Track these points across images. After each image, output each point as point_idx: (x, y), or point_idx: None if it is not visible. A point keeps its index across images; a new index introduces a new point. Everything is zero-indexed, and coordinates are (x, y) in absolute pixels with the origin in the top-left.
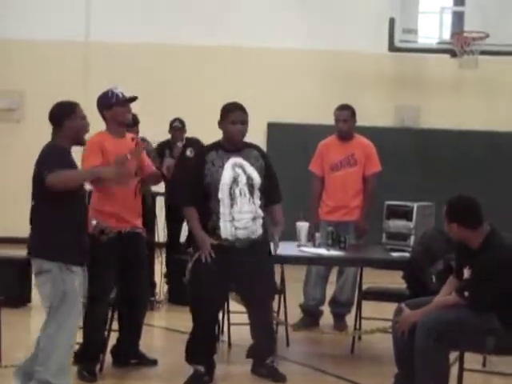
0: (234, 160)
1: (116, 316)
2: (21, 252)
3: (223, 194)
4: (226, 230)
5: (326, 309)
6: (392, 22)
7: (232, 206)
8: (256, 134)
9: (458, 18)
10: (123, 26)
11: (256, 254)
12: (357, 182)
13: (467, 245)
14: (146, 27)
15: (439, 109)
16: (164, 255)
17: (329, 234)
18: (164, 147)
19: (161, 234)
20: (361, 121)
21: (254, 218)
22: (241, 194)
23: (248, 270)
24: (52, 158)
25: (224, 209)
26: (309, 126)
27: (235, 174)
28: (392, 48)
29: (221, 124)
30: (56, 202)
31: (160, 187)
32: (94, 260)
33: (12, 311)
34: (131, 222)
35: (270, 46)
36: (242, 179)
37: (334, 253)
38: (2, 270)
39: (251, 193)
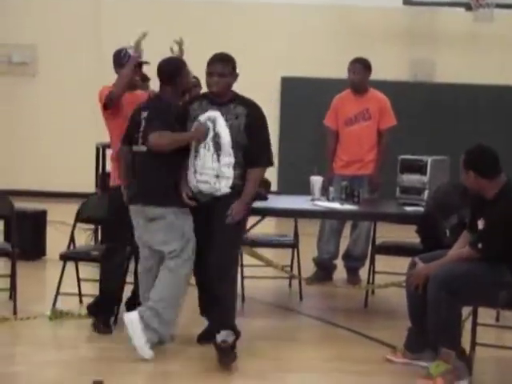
0: (210, 113)
1: (130, 269)
2: (35, 205)
3: (191, 145)
4: (191, 180)
5: (339, 263)
6: None
7: (195, 158)
8: (270, 88)
9: None
10: None
11: (217, 214)
12: (371, 137)
13: (482, 196)
14: None
15: (453, 63)
16: None
17: (342, 189)
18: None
19: None
20: (374, 75)
21: (218, 176)
22: (205, 147)
23: (207, 229)
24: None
25: (190, 160)
26: (322, 80)
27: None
28: (406, 1)
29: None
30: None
31: None
32: (111, 213)
33: (27, 264)
34: None
35: (284, 1)
36: (209, 135)
37: (347, 207)
38: (17, 223)
39: (216, 150)
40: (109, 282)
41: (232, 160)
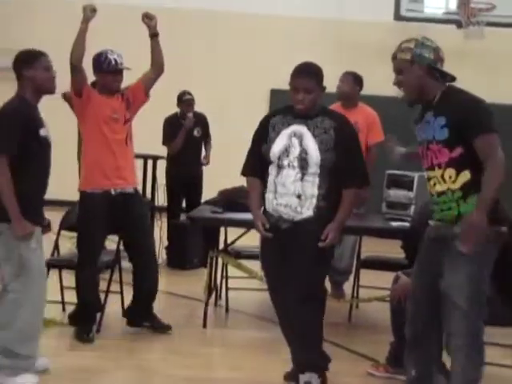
0: (295, 128)
1: (115, 278)
2: None
3: (273, 163)
4: (268, 201)
5: None
6: None
7: (277, 176)
8: (259, 100)
9: None
10: None
11: (298, 241)
12: None
13: None
14: None
15: None
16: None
17: None
18: (172, 122)
19: (161, 197)
20: (365, 90)
21: (300, 197)
22: (289, 165)
23: (287, 259)
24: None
25: (271, 178)
26: None
27: (289, 144)
28: (398, 17)
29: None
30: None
31: (162, 152)
32: (81, 221)
33: None
34: (122, 180)
35: (276, 14)
36: (295, 151)
37: None
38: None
39: (302, 168)
40: (84, 292)
41: (317, 179)
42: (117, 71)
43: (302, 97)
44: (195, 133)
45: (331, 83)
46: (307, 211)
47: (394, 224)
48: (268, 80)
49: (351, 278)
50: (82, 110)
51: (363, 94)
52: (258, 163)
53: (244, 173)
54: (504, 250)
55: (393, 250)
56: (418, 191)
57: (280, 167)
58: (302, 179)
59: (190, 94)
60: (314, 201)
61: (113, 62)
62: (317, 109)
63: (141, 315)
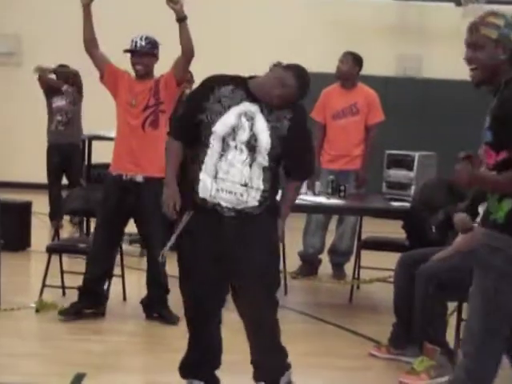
0: (247, 106)
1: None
2: (21, 196)
3: (214, 141)
4: (205, 185)
5: (324, 258)
6: None
7: (220, 158)
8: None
9: None
10: None
11: (246, 230)
12: (359, 131)
13: None
14: None
15: (441, 59)
16: None
17: (329, 183)
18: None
19: None
20: (363, 69)
21: (246, 186)
22: (236, 148)
23: (239, 255)
24: None
25: (210, 159)
26: (311, 73)
27: (237, 124)
28: None
29: (271, 69)
30: None
31: None
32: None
33: (12, 255)
34: (135, 166)
35: None
36: (243, 134)
37: (333, 201)
38: (3, 215)
39: (251, 155)
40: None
41: (263, 172)
42: (134, 52)
43: (289, 97)
44: None
45: (329, 63)
46: (253, 201)
47: (395, 204)
48: (268, 60)
49: (352, 259)
50: (112, 92)
51: (361, 73)
52: (186, 129)
53: (172, 133)
54: None
55: (394, 230)
56: (419, 171)
57: (224, 150)
58: (250, 166)
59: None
60: (260, 193)
61: (133, 44)
62: None
63: (151, 305)
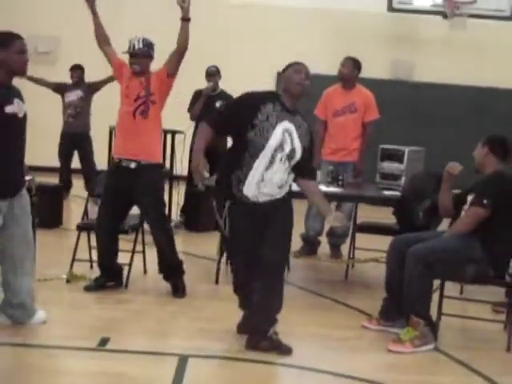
0: (286, 124)
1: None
2: (52, 179)
3: (265, 154)
4: (249, 188)
5: (323, 239)
6: None
7: (267, 168)
8: (267, 82)
9: None
10: None
11: (277, 212)
12: (356, 128)
13: (480, 172)
14: None
15: (431, 65)
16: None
17: (329, 173)
18: (198, 93)
19: (178, 167)
20: (361, 72)
21: (281, 188)
22: (281, 160)
23: (268, 227)
24: None
25: (258, 167)
26: (315, 75)
27: (283, 140)
28: (390, 8)
29: (283, 74)
30: None
31: (181, 126)
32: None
33: (46, 232)
34: (127, 152)
35: (280, 5)
36: (287, 148)
37: (332, 189)
38: (38, 196)
39: (289, 165)
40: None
41: (290, 171)
42: (132, 54)
43: (304, 78)
44: (217, 104)
45: (329, 66)
46: (281, 194)
47: (387, 193)
48: (274, 64)
49: (348, 241)
50: (119, 83)
51: (360, 76)
52: (227, 131)
53: (212, 125)
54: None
55: (385, 216)
56: (408, 164)
57: (271, 161)
58: (287, 173)
59: (214, 66)
60: (287, 188)
61: (131, 46)
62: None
63: (165, 272)
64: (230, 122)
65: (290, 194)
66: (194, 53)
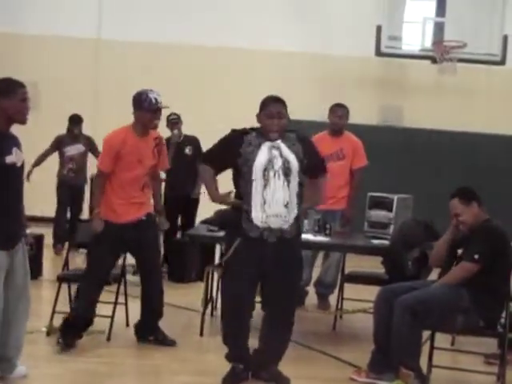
0: (272, 142)
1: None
2: (32, 229)
3: (256, 175)
4: (256, 213)
5: (311, 289)
6: (379, 29)
7: (265, 187)
8: (254, 125)
9: (439, 28)
10: (134, 25)
11: (285, 252)
12: (344, 175)
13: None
14: (156, 26)
15: (420, 110)
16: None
17: (316, 221)
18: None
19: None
20: (349, 119)
21: (287, 207)
22: (275, 175)
23: (276, 268)
24: None
25: (256, 190)
26: (298, 121)
27: (271, 156)
28: (378, 53)
29: (258, 116)
30: None
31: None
32: (93, 242)
33: None
34: (134, 215)
35: (268, 49)
36: (278, 161)
37: (320, 238)
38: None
39: (287, 176)
40: (80, 304)
41: (297, 188)
42: (156, 110)
43: (278, 122)
44: (186, 151)
45: (314, 111)
46: (291, 217)
47: (375, 242)
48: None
49: (336, 291)
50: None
51: (348, 122)
52: (221, 163)
53: (207, 160)
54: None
55: (374, 265)
56: (397, 212)
57: (266, 180)
58: (288, 186)
59: (175, 114)
60: (296, 210)
61: (153, 101)
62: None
63: (147, 330)
64: (219, 154)
65: (299, 233)
66: (184, 98)
